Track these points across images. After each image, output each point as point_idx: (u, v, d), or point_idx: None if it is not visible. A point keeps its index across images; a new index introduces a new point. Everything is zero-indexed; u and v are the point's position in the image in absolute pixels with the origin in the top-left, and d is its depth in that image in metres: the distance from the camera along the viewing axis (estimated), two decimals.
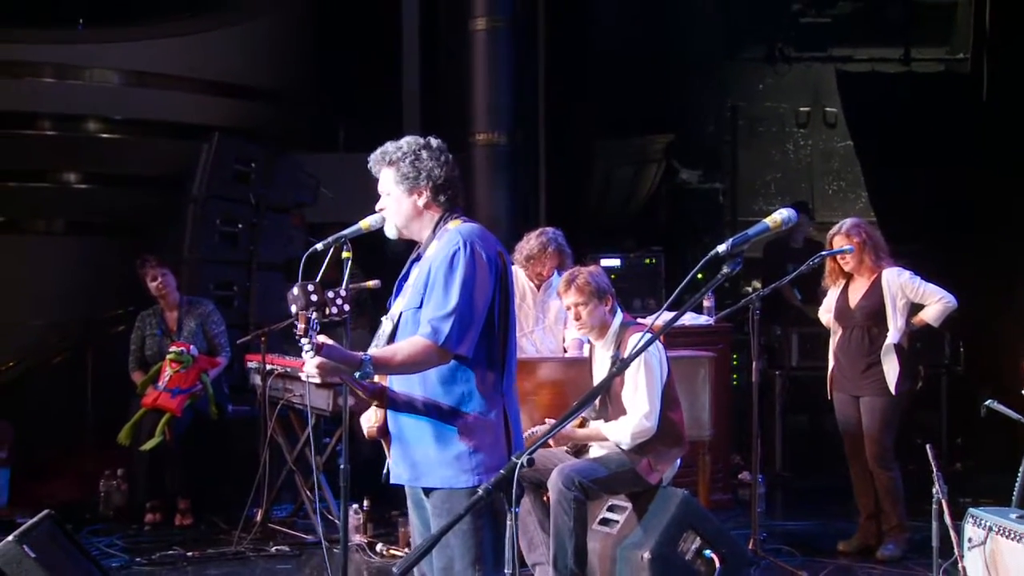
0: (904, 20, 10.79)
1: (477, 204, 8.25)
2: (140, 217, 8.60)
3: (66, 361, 8.22)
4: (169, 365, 6.81)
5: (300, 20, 9.81)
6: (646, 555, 4.75)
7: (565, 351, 6.11)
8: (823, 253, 6.01)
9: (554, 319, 6.15)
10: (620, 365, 2.90)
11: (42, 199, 8.73)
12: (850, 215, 6.75)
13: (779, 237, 8.50)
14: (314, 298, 3.17)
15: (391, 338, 3.47)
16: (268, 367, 6.48)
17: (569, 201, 9.94)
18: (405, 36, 10.20)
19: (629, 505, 5.10)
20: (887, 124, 9.49)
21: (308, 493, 6.48)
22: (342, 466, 4.02)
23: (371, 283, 5.18)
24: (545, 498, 5.13)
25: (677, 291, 2.91)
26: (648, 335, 2.93)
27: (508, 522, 2.76)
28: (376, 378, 3.37)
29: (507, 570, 2.82)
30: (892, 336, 5.89)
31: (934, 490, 4.44)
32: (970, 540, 4.60)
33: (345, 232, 3.56)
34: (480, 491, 2.73)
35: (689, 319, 6.93)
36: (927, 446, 4.55)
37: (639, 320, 5.41)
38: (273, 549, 6.21)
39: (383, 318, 3.57)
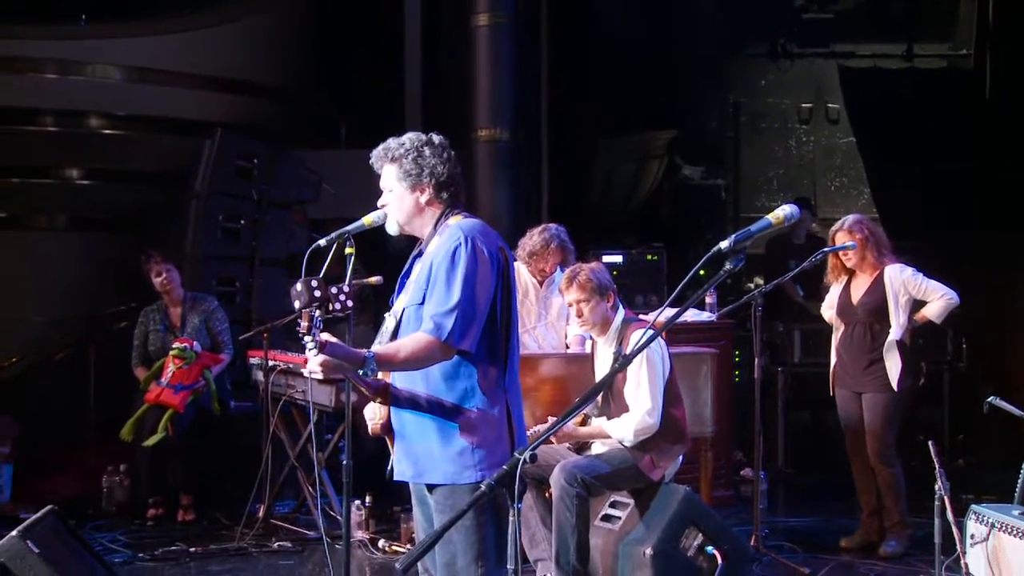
0: (906, 16, 10.77)
1: (479, 201, 8.25)
2: (142, 213, 8.60)
3: (68, 357, 8.22)
4: (172, 361, 6.82)
5: (302, 16, 9.80)
6: (648, 551, 4.75)
7: (567, 347, 6.11)
8: (825, 249, 6.02)
9: (556, 315, 6.14)
10: (622, 361, 2.90)
11: (44, 195, 8.73)
12: (852, 211, 6.76)
13: (781, 233, 8.48)
14: (317, 294, 3.17)
15: (394, 335, 3.47)
16: (270, 363, 6.49)
17: (571, 197, 9.94)
18: (407, 32, 10.18)
19: (631, 501, 5.10)
20: (889, 120, 9.48)
21: (310, 489, 6.49)
22: (344, 462, 4.02)
23: (373, 279, 5.19)
24: (547, 494, 5.14)
25: (679, 287, 2.91)
26: (650, 331, 2.93)
27: (510, 518, 2.77)
28: (379, 375, 3.37)
29: (509, 566, 2.83)
30: (894, 332, 5.89)
31: (936, 486, 4.44)
32: (972, 537, 4.60)
33: (348, 228, 3.56)
34: (483, 487, 2.73)
35: (691, 315, 6.93)
36: (929, 442, 4.56)
37: (641, 316, 5.41)
38: (275, 545, 6.22)
39: (386, 315, 3.57)
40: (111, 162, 8.70)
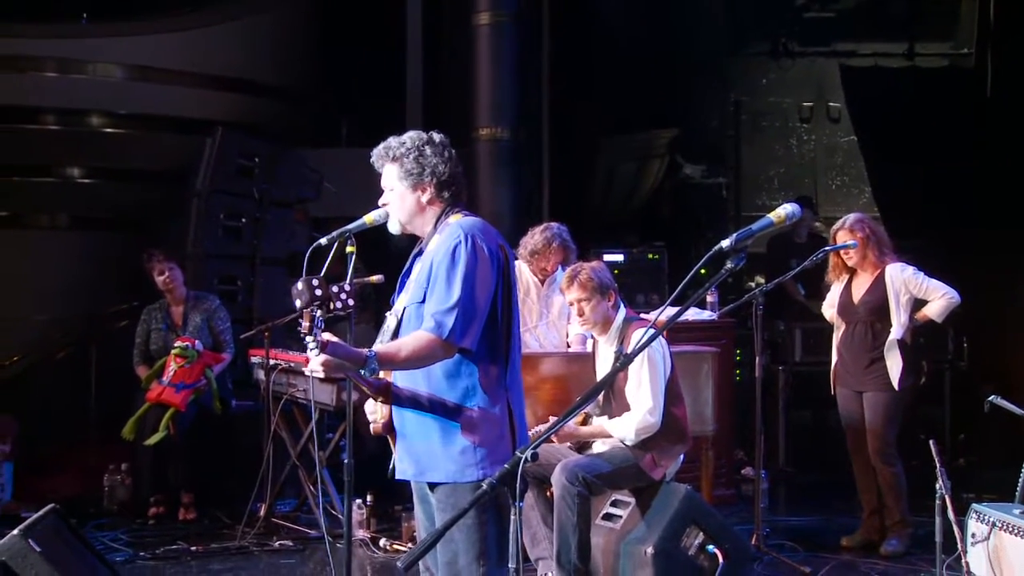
0: (908, 15, 10.77)
1: (480, 199, 8.26)
2: (143, 212, 8.61)
3: (69, 356, 8.23)
4: (174, 360, 6.82)
5: (303, 15, 9.81)
6: (649, 550, 4.75)
7: (568, 346, 6.11)
8: (827, 248, 6.02)
9: (558, 314, 6.14)
10: (623, 360, 2.89)
11: (45, 194, 8.73)
12: (853, 210, 6.77)
13: (783, 232, 8.49)
14: (318, 293, 3.17)
15: (395, 333, 3.47)
16: (272, 362, 6.49)
17: (572, 196, 9.94)
18: (408, 31, 10.18)
19: (632, 500, 5.10)
20: (891, 119, 9.48)
21: (312, 488, 6.49)
22: (345, 461, 4.02)
23: (374, 278, 5.19)
24: (548, 493, 5.14)
25: (680, 286, 2.92)
26: (651, 330, 2.93)
27: (512, 517, 2.77)
28: (381, 374, 3.38)
29: (511, 564, 2.83)
30: (895, 332, 5.89)
31: (937, 486, 4.44)
32: (973, 536, 4.61)
33: (349, 227, 3.55)
34: (484, 486, 2.73)
35: (692, 314, 6.93)
36: (930, 442, 4.56)
37: (642, 316, 5.41)
38: (276, 544, 6.22)
39: (387, 313, 3.57)
40: (112, 161, 8.71)
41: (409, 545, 5.90)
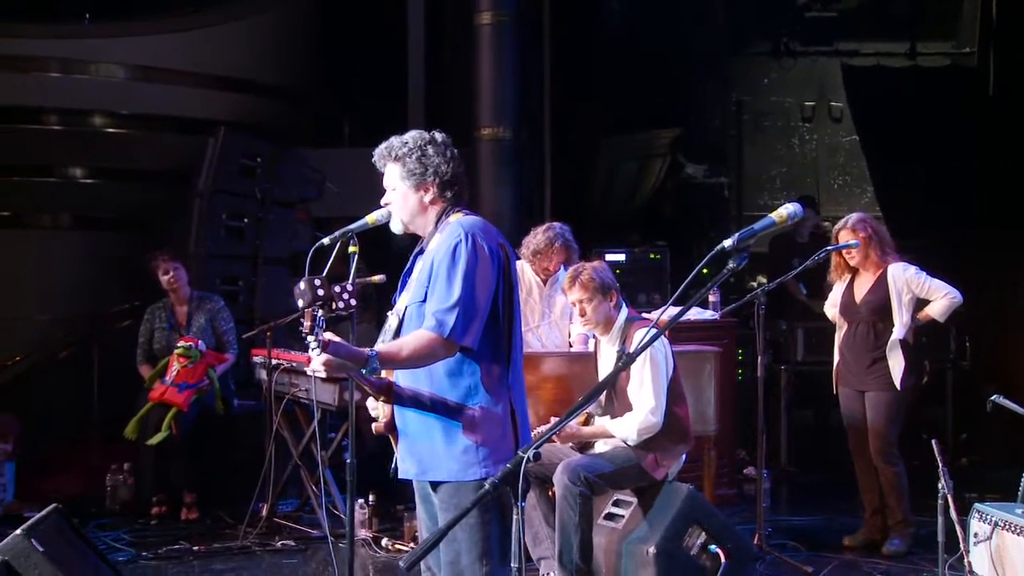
0: (910, 14, 10.77)
1: (482, 199, 8.25)
2: (146, 212, 8.62)
3: (72, 356, 8.24)
4: (177, 360, 6.82)
5: (305, 14, 9.81)
6: (651, 550, 4.75)
7: (571, 346, 6.11)
8: (829, 248, 6.01)
9: (560, 314, 6.14)
10: (626, 360, 2.89)
11: (48, 194, 8.74)
12: (856, 210, 6.75)
13: (785, 232, 8.48)
14: (321, 293, 3.17)
15: (397, 333, 3.47)
16: (274, 362, 6.50)
17: (574, 196, 9.94)
18: (410, 30, 10.18)
19: (634, 500, 5.10)
20: (892, 118, 9.48)
21: (314, 488, 6.49)
22: (348, 461, 4.03)
23: (376, 278, 5.19)
24: (550, 493, 5.14)
25: (683, 286, 2.91)
26: (654, 330, 2.93)
27: (514, 516, 2.77)
28: (383, 373, 3.38)
29: (513, 564, 2.83)
30: (897, 331, 5.88)
31: (940, 485, 4.44)
32: (976, 535, 4.61)
33: (351, 227, 3.55)
34: (487, 485, 2.73)
35: (694, 314, 6.93)
36: (933, 441, 4.55)
37: (644, 315, 5.41)
38: (279, 544, 6.22)
39: (388, 313, 3.57)
40: (115, 161, 8.72)
41: (411, 545, 5.90)
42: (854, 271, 6.06)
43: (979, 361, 8.38)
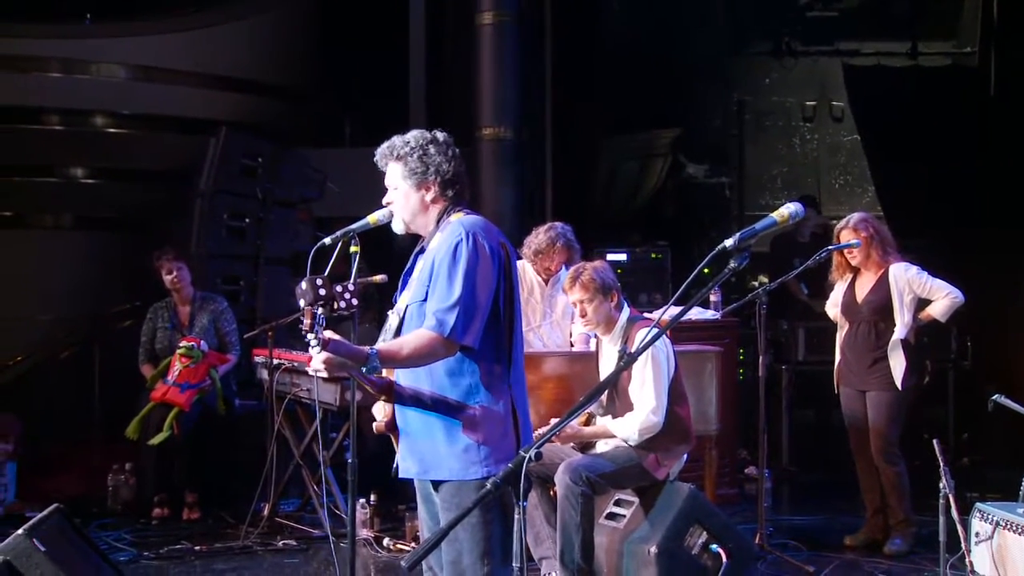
0: (911, 14, 10.77)
1: (483, 199, 8.26)
2: (147, 212, 8.62)
3: (73, 356, 8.24)
4: (179, 359, 6.82)
5: (306, 14, 9.82)
6: (653, 549, 4.75)
7: (572, 346, 6.11)
8: (830, 247, 6.01)
9: (561, 314, 6.14)
10: (627, 360, 2.89)
11: (49, 194, 8.75)
12: (857, 209, 6.75)
13: (786, 231, 8.47)
14: (322, 292, 3.17)
15: (397, 332, 3.47)
16: (275, 362, 6.50)
17: (575, 196, 9.94)
18: (411, 30, 10.18)
19: (636, 500, 5.10)
20: (894, 118, 9.48)
21: (315, 487, 6.49)
22: (349, 460, 4.02)
23: (377, 277, 5.19)
24: (552, 492, 5.14)
25: (684, 286, 2.92)
26: (655, 330, 2.93)
27: (516, 516, 2.77)
28: (384, 372, 3.38)
29: (515, 564, 2.83)
30: (899, 331, 5.88)
31: (941, 485, 4.44)
32: (977, 535, 4.61)
33: (353, 227, 3.55)
34: (488, 485, 2.73)
35: (695, 314, 6.93)
36: (934, 441, 4.55)
37: (646, 315, 5.41)
38: (280, 543, 6.22)
39: (389, 312, 3.57)
40: (116, 161, 8.73)
41: (413, 544, 5.90)
42: (855, 271, 6.06)
43: (980, 361, 8.38)
